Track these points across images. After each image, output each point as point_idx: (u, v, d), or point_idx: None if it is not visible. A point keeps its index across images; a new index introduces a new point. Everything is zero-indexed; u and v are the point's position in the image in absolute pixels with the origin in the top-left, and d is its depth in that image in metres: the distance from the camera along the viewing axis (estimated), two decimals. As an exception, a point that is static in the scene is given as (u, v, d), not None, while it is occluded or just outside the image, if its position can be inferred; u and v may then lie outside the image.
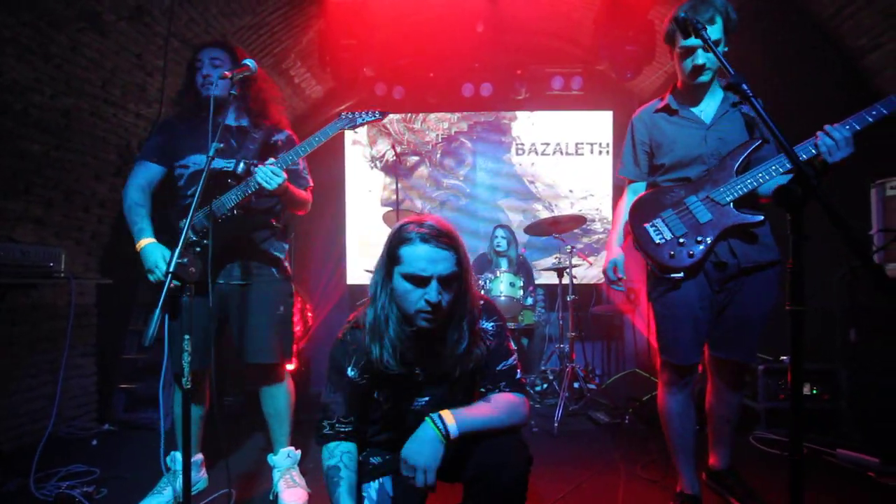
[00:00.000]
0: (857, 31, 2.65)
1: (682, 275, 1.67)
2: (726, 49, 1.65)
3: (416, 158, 4.86)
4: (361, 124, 1.92)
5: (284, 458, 2.04)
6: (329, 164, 4.63)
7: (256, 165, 1.80)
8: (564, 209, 4.70)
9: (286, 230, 2.13)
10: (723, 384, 1.85)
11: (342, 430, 1.31)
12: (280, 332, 2.00)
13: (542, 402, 3.53)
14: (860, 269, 2.50)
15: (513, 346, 1.39)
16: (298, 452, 2.11)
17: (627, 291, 4.41)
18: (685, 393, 1.80)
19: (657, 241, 1.69)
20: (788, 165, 1.55)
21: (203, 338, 1.83)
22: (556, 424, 2.87)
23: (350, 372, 1.31)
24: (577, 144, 4.76)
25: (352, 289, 4.75)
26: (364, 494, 1.32)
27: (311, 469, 2.24)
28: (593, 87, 4.54)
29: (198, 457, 2.06)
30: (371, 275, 1.35)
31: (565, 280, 3.58)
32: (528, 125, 4.79)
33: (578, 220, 3.63)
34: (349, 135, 4.85)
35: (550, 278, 4.10)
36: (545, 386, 3.72)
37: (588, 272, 4.61)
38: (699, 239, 1.65)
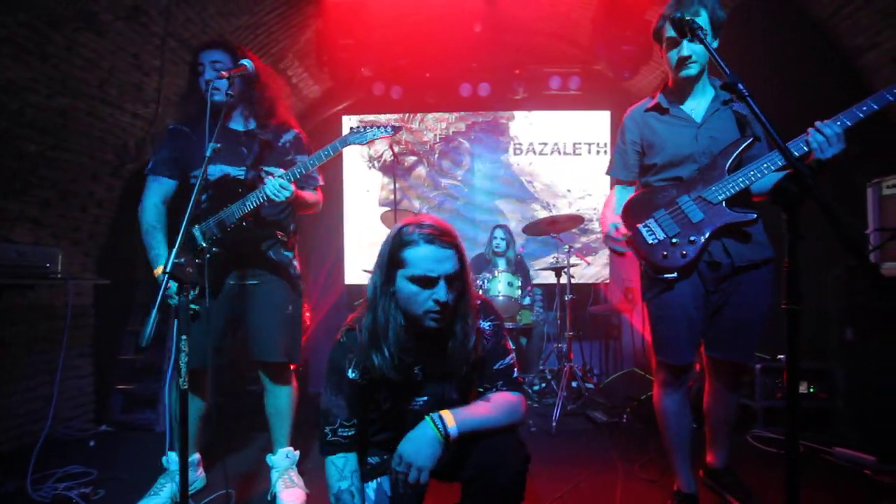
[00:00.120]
0: (854, 30, 2.65)
1: (675, 275, 1.67)
2: (715, 44, 1.65)
3: (413, 158, 4.86)
4: (373, 140, 1.88)
5: (283, 459, 2.04)
6: (327, 163, 4.59)
7: (266, 177, 1.83)
8: (562, 209, 4.70)
9: (293, 241, 2.13)
10: (720, 385, 1.85)
11: (346, 434, 1.30)
12: (288, 331, 2.01)
13: (540, 402, 3.53)
14: (856, 268, 2.51)
15: (510, 345, 1.39)
16: (297, 453, 2.11)
17: (626, 291, 4.41)
18: (681, 393, 1.79)
19: (650, 242, 1.70)
20: (780, 163, 1.55)
21: (203, 338, 1.83)
22: (554, 424, 2.87)
23: (351, 374, 1.30)
24: (574, 144, 4.76)
25: (350, 289, 4.74)
26: (362, 494, 1.32)
27: (309, 469, 2.24)
28: (591, 86, 4.55)
29: (194, 456, 2.06)
30: (369, 277, 1.34)
31: (563, 279, 3.58)
32: (526, 125, 4.80)
33: (576, 220, 3.64)
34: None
35: (548, 278, 4.11)
36: (543, 385, 3.72)
37: (586, 271, 4.62)
38: (692, 239, 1.65)
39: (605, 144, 4.73)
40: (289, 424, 2.06)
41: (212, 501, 1.96)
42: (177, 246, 1.32)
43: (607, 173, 1.98)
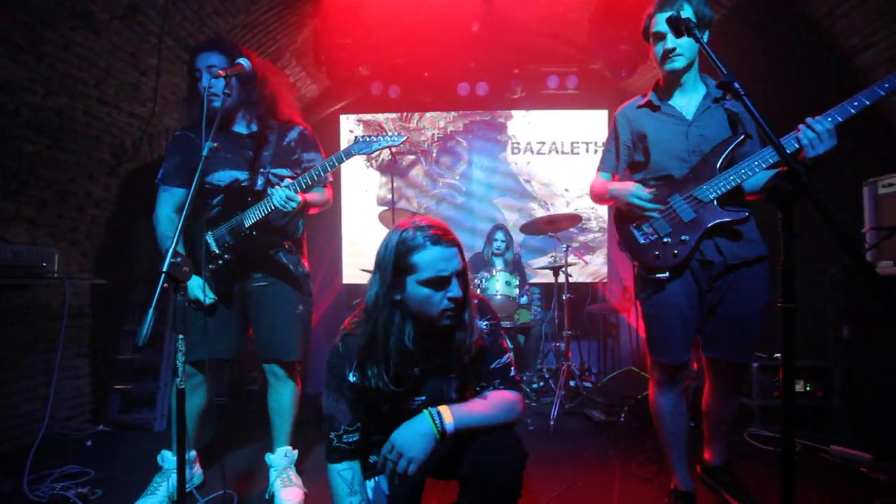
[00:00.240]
0: (850, 30, 2.66)
1: (667, 275, 1.67)
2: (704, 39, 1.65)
3: (412, 157, 4.86)
4: (379, 149, 1.87)
5: (282, 458, 2.04)
6: (325, 163, 4.62)
7: (276, 178, 1.88)
8: (560, 208, 4.71)
9: (302, 241, 2.15)
10: (720, 386, 1.84)
11: (350, 440, 1.30)
12: (296, 331, 2.02)
13: (538, 401, 3.54)
14: (852, 267, 2.52)
15: (507, 343, 1.40)
16: (296, 452, 2.11)
17: (625, 289, 4.43)
18: (676, 391, 1.79)
19: (642, 242, 1.70)
20: (771, 160, 1.55)
21: (213, 331, 1.92)
22: (551, 422, 2.88)
23: (351, 377, 1.30)
24: (572, 143, 4.77)
25: (348, 288, 4.74)
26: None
27: (307, 469, 2.24)
28: (589, 86, 4.56)
29: (191, 453, 2.06)
30: (368, 276, 1.33)
31: (561, 279, 3.59)
32: (524, 124, 4.80)
33: (574, 219, 3.64)
34: (345, 134, 4.85)
35: (546, 277, 4.11)
36: (541, 384, 3.73)
37: (584, 270, 4.63)
38: (683, 238, 1.65)
39: (603, 144, 4.73)
40: (290, 423, 2.07)
41: (212, 501, 1.96)
42: (172, 246, 1.31)
43: (598, 171, 1.95)
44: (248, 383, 3.57)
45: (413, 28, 4.21)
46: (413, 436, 1.16)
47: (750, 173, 1.58)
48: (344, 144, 4.80)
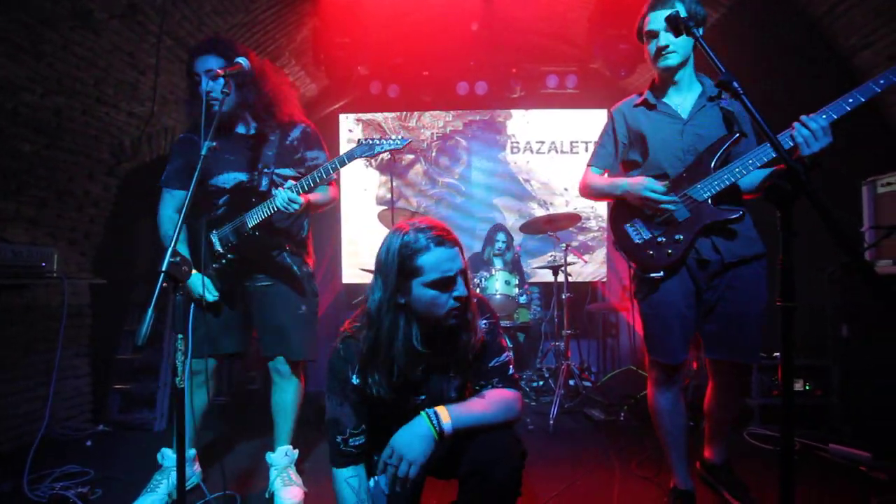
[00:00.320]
0: (849, 29, 2.66)
1: (661, 274, 1.67)
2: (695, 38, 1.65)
3: (411, 157, 4.86)
4: (381, 152, 1.85)
5: (282, 457, 2.04)
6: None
7: (280, 178, 1.89)
8: (559, 207, 4.71)
9: (306, 241, 2.15)
10: (723, 388, 1.83)
11: (356, 443, 1.30)
12: (299, 330, 2.02)
13: (537, 400, 3.54)
14: (851, 265, 2.52)
15: (506, 342, 1.40)
16: (296, 452, 2.11)
17: (625, 288, 4.43)
18: (674, 391, 1.79)
19: (636, 242, 1.70)
20: (765, 159, 1.54)
21: (217, 329, 1.96)
22: (551, 422, 2.88)
23: (354, 379, 1.30)
24: (571, 143, 4.77)
25: (347, 288, 4.74)
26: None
27: (308, 468, 2.24)
28: (588, 85, 4.56)
29: (191, 451, 2.05)
30: (368, 276, 1.34)
31: (560, 278, 3.59)
32: (523, 123, 4.80)
33: (573, 219, 3.64)
34: (344, 133, 4.84)
35: (546, 276, 4.11)
36: (541, 383, 3.73)
37: (584, 270, 4.63)
38: (677, 237, 1.65)
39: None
40: (292, 422, 2.07)
41: (213, 501, 1.96)
42: (172, 245, 1.31)
43: (589, 165, 1.92)
44: (248, 383, 3.57)
45: (412, 27, 4.21)
46: (411, 438, 1.16)
47: (744, 171, 1.58)
48: (343, 143, 4.80)
